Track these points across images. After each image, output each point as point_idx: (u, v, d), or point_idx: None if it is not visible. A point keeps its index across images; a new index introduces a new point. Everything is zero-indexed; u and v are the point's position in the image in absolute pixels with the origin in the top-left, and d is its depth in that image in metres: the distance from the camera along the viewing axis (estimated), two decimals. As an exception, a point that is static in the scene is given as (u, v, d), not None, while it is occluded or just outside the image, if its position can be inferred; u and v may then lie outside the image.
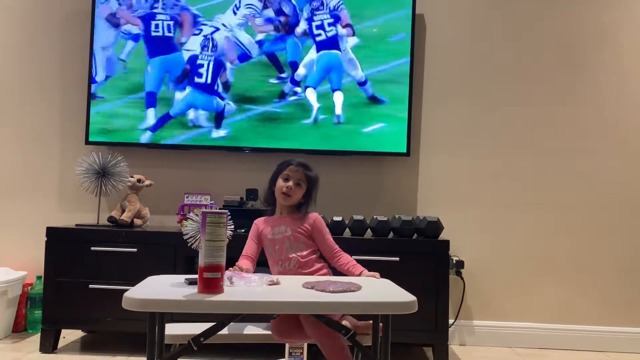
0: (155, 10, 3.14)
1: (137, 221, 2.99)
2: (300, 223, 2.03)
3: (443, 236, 2.85)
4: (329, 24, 3.13)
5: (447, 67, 3.26)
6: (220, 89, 3.13)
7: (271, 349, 2.34)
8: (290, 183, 2.01)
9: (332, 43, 3.14)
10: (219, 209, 2.93)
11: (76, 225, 2.91)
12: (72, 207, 3.23)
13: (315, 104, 3.11)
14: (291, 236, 1.99)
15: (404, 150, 3.13)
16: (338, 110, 3.11)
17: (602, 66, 3.23)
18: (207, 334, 1.55)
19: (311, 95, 3.11)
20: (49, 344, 2.73)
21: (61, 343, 2.83)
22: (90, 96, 3.14)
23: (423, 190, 3.23)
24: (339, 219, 2.83)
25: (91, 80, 3.14)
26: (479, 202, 3.21)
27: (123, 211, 2.96)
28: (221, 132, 3.13)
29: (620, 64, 3.22)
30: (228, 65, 3.14)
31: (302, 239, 2.00)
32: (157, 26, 3.13)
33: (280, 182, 2.03)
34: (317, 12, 3.13)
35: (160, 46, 3.13)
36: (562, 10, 3.24)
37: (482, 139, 3.24)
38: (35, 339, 2.87)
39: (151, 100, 3.12)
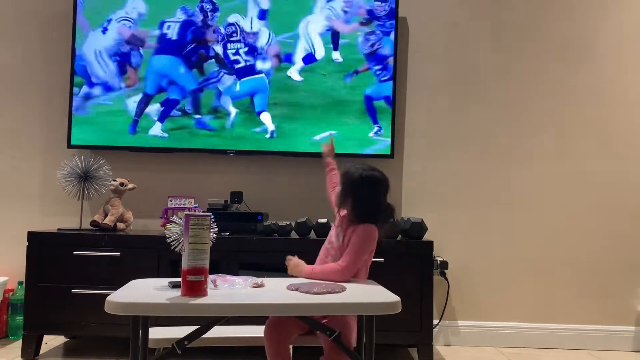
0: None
1: (120, 225, 2.97)
2: (348, 233, 1.89)
3: (427, 237, 2.86)
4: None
5: (430, 69, 3.28)
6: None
7: (256, 351, 2.33)
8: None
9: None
10: (203, 212, 2.92)
11: (58, 229, 2.88)
12: (54, 211, 3.19)
13: (270, 126, 3.13)
14: (336, 247, 1.92)
15: (388, 153, 3.14)
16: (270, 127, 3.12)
17: (586, 67, 3.27)
18: (191, 337, 1.54)
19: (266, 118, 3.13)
20: (31, 350, 2.69)
21: (43, 349, 2.79)
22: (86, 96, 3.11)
23: (407, 192, 3.25)
24: (324, 221, 2.83)
25: (72, 82, 3.11)
26: (463, 203, 3.24)
27: (106, 215, 2.94)
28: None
29: (605, 66, 3.27)
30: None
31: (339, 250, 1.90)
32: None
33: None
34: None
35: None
36: (546, 11, 3.28)
37: (465, 140, 3.26)
38: (17, 345, 2.83)
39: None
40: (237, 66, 3.14)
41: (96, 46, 3.13)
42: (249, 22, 3.15)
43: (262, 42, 3.15)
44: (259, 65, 3.14)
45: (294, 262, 1.90)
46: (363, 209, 1.86)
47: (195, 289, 1.45)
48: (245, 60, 3.13)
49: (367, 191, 1.87)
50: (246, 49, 3.14)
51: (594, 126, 3.26)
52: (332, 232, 1.95)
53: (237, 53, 3.13)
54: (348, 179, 1.90)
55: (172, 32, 3.13)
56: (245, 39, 3.13)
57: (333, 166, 2.26)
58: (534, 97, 3.27)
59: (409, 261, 2.75)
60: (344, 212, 1.90)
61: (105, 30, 3.14)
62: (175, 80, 3.13)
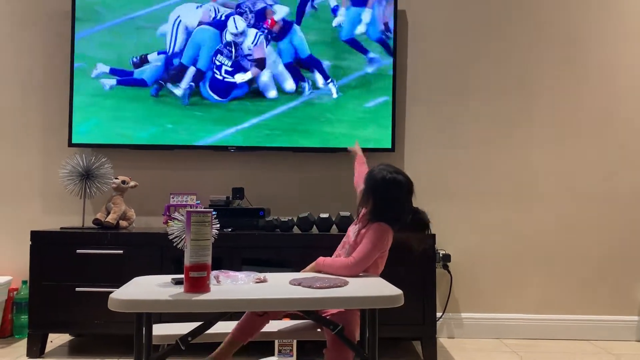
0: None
1: (123, 223, 2.97)
2: (364, 231, 1.91)
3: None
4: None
5: (431, 61, 3.27)
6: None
7: (261, 346, 2.34)
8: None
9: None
10: (205, 208, 2.93)
11: (61, 228, 2.89)
12: (56, 210, 3.20)
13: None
14: (352, 243, 1.92)
15: (389, 146, 3.14)
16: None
17: (588, 58, 3.26)
18: (195, 333, 1.55)
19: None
20: (36, 349, 2.70)
21: (49, 347, 2.81)
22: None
23: (409, 185, 3.25)
24: (325, 215, 2.84)
25: (72, 79, 3.11)
26: (465, 196, 3.23)
27: (108, 213, 2.94)
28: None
29: (607, 57, 3.25)
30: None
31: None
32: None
33: None
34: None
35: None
36: (548, 3, 3.27)
37: (466, 132, 3.26)
38: (22, 344, 2.84)
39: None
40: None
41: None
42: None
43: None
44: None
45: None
46: (382, 210, 1.87)
47: (198, 285, 1.46)
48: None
49: (388, 193, 1.88)
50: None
51: (597, 117, 3.25)
52: (351, 228, 1.96)
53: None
54: (371, 179, 1.92)
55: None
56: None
57: (363, 160, 2.28)
58: (536, 86, 3.26)
59: (411, 255, 2.74)
60: (363, 210, 1.93)
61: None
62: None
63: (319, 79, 3.15)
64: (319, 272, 1.85)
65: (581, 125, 3.25)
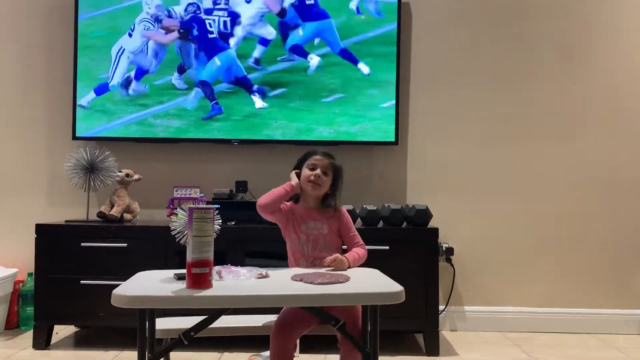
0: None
1: (127, 216, 2.99)
2: (334, 221, 1.96)
3: (432, 224, 2.87)
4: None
5: (435, 54, 3.26)
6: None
7: (262, 340, 2.35)
8: (318, 171, 1.94)
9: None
10: (208, 202, 2.94)
11: (65, 221, 2.91)
12: (61, 203, 3.21)
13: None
14: (327, 235, 1.94)
15: (393, 139, 3.13)
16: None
17: (592, 52, 3.23)
18: (197, 328, 1.56)
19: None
20: (42, 340, 2.73)
21: (54, 339, 2.84)
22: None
23: (412, 179, 3.25)
24: (328, 209, 2.84)
25: (76, 74, 3.12)
26: (468, 189, 3.23)
27: (112, 206, 2.96)
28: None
29: (610, 51, 3.23)
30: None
31: (335, 239, 1.96)
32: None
33: (306, 172, 1.96)
34: None
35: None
36: (548, -5, 3.25)
37: (470, 126, 3.25)
38: (28, 335, 2.87)
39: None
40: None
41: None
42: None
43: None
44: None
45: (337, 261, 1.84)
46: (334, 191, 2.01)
47: (200, 281, 1.46)
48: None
49: (341, 180, 2.02)
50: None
51: (599, 110, 3.23)
52: (307, 224, 1.94)
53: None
54: (339, 169, 2.01)
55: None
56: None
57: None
58: (539, 81, 3.24)
59: (414, 248, 2.76)
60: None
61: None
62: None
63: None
64: (347, 268, 1.83)
65: (586, 118, 3.23)
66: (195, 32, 3.11)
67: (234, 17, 3.12)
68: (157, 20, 3.06)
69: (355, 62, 3.13)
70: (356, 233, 1.99)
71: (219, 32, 3.11)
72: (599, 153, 3.22)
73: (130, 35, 3.10)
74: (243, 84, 3.13)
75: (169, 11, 3.11)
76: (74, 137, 3.13)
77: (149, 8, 3.09)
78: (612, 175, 3.21)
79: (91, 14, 3.13)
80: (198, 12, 3.11)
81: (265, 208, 1.93)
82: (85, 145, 3.07)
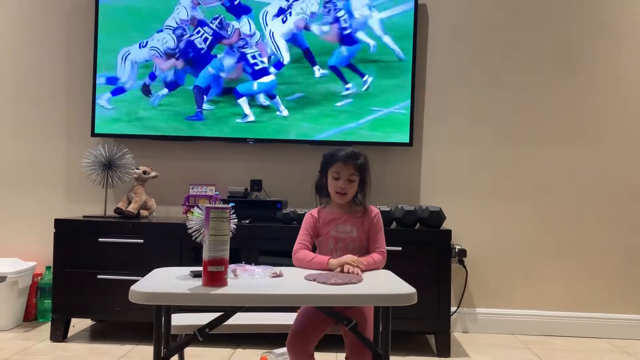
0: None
1: (144, 212, 3.03)
2: (363, 221, 1.92)
3: (445, 226, 2.87)
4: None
5: (450, 57, 3.26)
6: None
7: (275, 338, 2.38)
8: (341, 183, 1.89)
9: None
10: (222, 200, 2.97)
11: (83, 217, 2.96)
12: (79, 198, 3.27)
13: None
14: (357, 238, 1.91)
15: (407, 141, 3.14)
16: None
17: (602, 55, 3.21)
18: (212, 325, 1.59)
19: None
20: (59, 333, 2.79)
21: (71, 332, 2.89)
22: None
23: (426, 180, 3.26)
24: (342, 209, 2.86)
25: (96, 72, 3.17)
26: (482, 191, 3.23)
27: (129, 202, 3.00)
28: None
29: (622, 55, 3.21)
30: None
31: (365, 242, 1.92)
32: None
33: (332, 182, 1.90)
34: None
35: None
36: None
37: (484, 128, 3.24)
38: (46, 327, 2.93)
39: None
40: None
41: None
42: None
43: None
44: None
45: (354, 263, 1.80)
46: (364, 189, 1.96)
47: (216, 279, 1.49)
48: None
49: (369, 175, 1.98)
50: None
51: (612, 113, 3.21)
52: (337, 227, 1.91)
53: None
54: (366, 165, 1.95)
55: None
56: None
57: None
58: (554, 85, 3.22)
59: (427, 250, 2.77)
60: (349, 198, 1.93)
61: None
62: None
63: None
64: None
65: (603, 124, 3.21)
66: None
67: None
68: (166, 54, 3.17)
69: (361, 75, 3.16)
70: (381, 237, 1.92)
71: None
72: (613, 158, 3.20)
73: (140, 47, 3.17)
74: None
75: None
76: (93, 134, 3.18)
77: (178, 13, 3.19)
78: (625, 180, 3.19)
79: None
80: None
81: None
82: (104, 142, 3.12)
